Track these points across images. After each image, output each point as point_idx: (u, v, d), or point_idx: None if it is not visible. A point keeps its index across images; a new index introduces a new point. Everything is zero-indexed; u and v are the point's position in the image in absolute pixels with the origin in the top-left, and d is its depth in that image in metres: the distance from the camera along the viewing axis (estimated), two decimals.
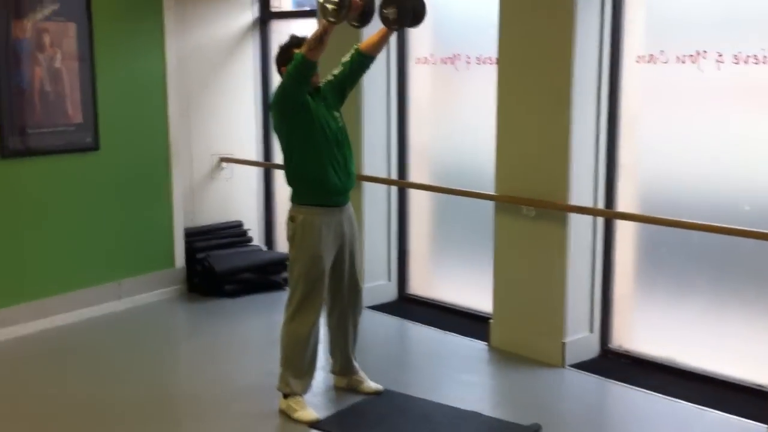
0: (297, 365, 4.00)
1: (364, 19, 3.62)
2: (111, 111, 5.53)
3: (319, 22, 3.59)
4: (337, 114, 4.04)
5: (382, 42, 4.07)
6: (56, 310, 5.33)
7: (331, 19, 3.49)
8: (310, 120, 3.87)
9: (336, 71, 4.12)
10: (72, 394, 4.34)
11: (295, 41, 3.93)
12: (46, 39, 5.18)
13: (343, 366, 4.28)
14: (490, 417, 4.00)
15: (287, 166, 4.00)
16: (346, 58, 4.11)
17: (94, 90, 5.43)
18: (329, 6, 3.42)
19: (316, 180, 3.91)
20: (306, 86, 3.81)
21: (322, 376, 4.35)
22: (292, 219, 3.98)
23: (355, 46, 4.12)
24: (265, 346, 5.03)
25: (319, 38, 3.56)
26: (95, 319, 5.48)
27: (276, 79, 6.46)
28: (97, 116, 5.46)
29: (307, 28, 5.76)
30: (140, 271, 5.82)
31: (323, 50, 3.64)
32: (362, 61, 4.09)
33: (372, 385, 4.26)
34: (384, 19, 3.96)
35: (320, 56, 3.68)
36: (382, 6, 3.95)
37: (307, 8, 6.47)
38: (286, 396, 4.02)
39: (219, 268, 5.98)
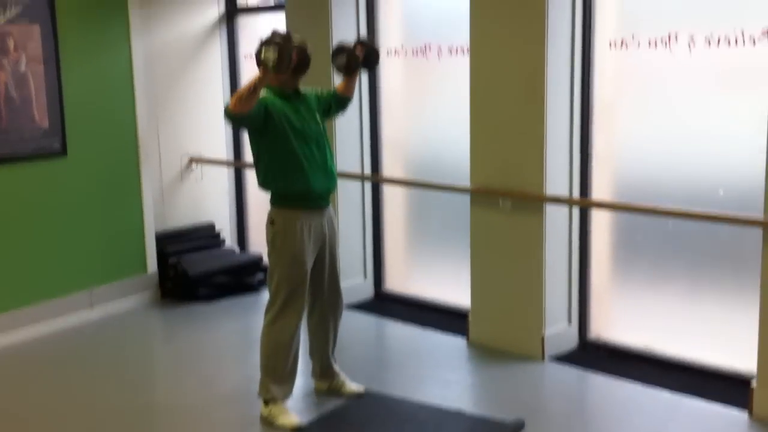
0: (278, 371, 3.96)
1: (300, 70, 3.72)
2: (78, 114, 5.43)
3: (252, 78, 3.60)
4: (318, 116, 4.01)
5: (350, 84, 4.22)
6: (26, 321, 5.22)
7: (271, 65, 3.47)
8: (282, 126, 3.81)
9: (324, 91, 4.19)
10: (46, 406, 4.26)
11: (277, 38, 3.88)
12: (10, 43, 5.07)
13: (323, 368, 4.25)
14: (473, 415, 3.98)
15: (261, 170, 3.94)
16: (329, 90, 4.24)
17: (61, 93, 5.33)
18: (270, 60, 3.45)
19: (296, 183, 3.86)
20: (250, 124, 3.79)
21: (302, 379, 4.31)
22: (272, 222, 3.92)
23: (334, 88, 4.28)
24: (242, 350, 4.99)
25: (253, 89, 3.54)
26: (67, 329, 5.37)
27: (246, 73, 6.48)
28: (64, 120, 5.36)
29: (275, 23, 5.71)
30: (111, 278, 5.73)
31: (255, 101, 3.60)
32: (340, 100, 4.24)
33: (353, 386, 4.24)
34: (337, 68, 4.13)
35: (251, 107, 3.61)
36: (333, 57, 4.12)
37: (273, 3, 6.39)
38: (267, 402, 3.98)
39: (192, 271, 5.90)
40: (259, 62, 3.55)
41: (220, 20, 6.53)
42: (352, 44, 4.15)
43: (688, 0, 4.22)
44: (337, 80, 4.33)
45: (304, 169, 3.85)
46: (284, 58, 3.44)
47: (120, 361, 4.90)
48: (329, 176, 3.97)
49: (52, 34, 5.26)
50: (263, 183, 3.95)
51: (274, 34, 3.63)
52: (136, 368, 4.81)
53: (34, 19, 5.16)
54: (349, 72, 4.13)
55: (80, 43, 5.45)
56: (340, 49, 4.12)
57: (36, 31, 5.19)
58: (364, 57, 4.13)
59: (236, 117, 3.68)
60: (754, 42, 3.94)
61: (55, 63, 5.30)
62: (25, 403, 4.33)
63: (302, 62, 3.68)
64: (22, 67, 5.14)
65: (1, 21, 5.00)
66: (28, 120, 5.18)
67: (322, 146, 3.94)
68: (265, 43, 3.51)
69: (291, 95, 3.90)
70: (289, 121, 3.83)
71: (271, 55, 3.45)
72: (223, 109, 3.71)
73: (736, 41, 3.99)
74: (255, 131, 3.84)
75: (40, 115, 5.25)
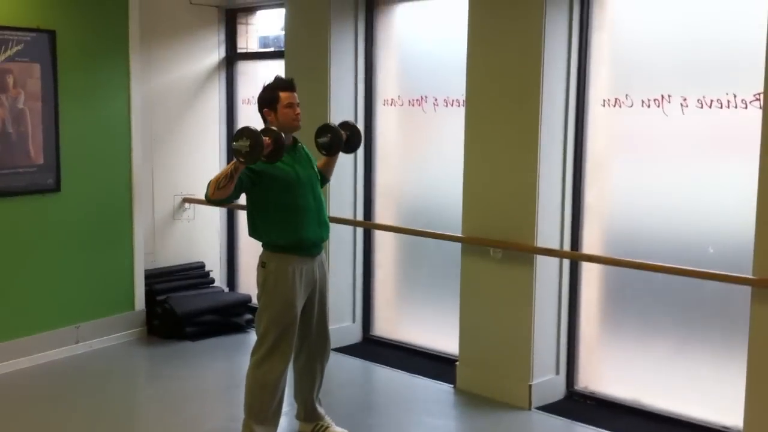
0: (262, 412, 3.92)
1: (274, 156, 3.73)
2: (74, 152, 5.46)
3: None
4: (314, 167, 4.05)
5: (330, 165, 4.24)
6: (10, 355, 5.18)
7: (242, 160, 3.54)
8: (275, 179, 3.83)
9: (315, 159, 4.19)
10: None
11: (280, 83, 3.94)
12: (10, 80, 5.11)
13: (308, 411, 4.21)
14: None
15: (254, 221, 3.95)
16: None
17: (57, 131, 5.36)
18: (242, 148, 3.51)
19: (289, 235, 3.87)
20: (233, 200, 3.84)
21: (286, 421, 4.27)
22: (263, 265, 3.92)
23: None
24: (228, 390, 4.95)
25: (230, 176, 3.61)
26: (51, 364, 5.32)
27: (244, 117, 6.54)
28: (60, 157, 5.38)
29: (274, 69, 5.78)
30: (99, 314, 5.69)
31: (232, 187, 3.66)
32: (321, 175, 4.21)
33: (337, 429, 4.20)
34: (320, 147, 4.14)
35: (229, 192, 3.67)
36: (317, 135, 4.13)
37: (273, 49, 6.49)
38: None
39: (180, 310, 5.88)
40: (234, 151, 3.61)
41: (219, 65, 6.62)
42: (338, 125, 4.18)
43: (681, 64, 4.30)
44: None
45: (298, 220, 3.87)
46: (256, 146, 3.51)
47: (103, 397, 4.84)
48: (323, 225, 4.00)
49: (51, 73, 5.31)
50: (255, 233, 3.97)
51: (248, 126, 3.67)
52: (119, 405, 4.76)
53: (34, 57, 5.22)
54: (331, 152, 4.16)
55: (79, 83, 5.50)
56: (326, 129, 4.15)
57: (36, 69, 5.24)
58: (346, 139, 4.16)
59: (216, 202, 3.76)
60: (746, 105, 4.01)
61: (54, 101, 5.34)
62: None
63: (278, 147, 3.70)
64: (20, 104, 5.18)
65: (1, 59, 5.05)
66: (23, 155, 5.20)
67: (317, 194, 3.98)
68: (239, 133, 3.56)
69: (288, 147, 3.90)
70: (284, 172, 3.85)
71: (243, 145, 3.52)
72: (204, 195, 3.75)
73: (728, 104, 4.06)
74: (245, 192, 3.87)
75: (36, 151, 5.28)
